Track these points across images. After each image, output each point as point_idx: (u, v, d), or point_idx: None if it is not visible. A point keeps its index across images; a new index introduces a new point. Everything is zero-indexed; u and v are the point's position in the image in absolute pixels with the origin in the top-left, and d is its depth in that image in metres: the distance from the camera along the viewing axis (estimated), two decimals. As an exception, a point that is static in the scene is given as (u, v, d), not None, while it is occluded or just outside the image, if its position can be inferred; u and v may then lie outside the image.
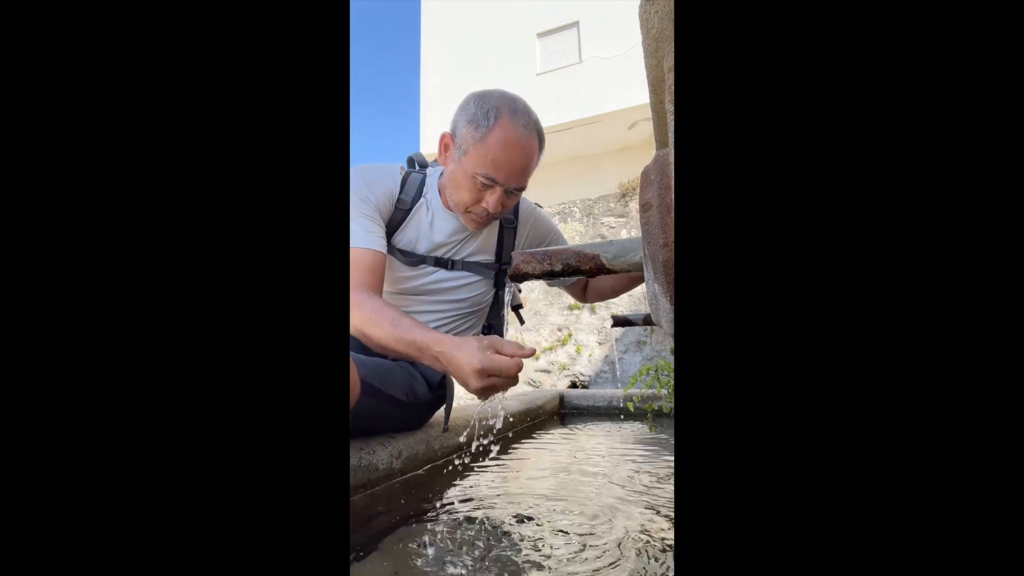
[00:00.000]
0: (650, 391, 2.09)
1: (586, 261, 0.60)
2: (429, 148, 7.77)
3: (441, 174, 1.03)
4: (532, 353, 0.74)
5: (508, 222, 1.08)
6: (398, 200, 1.00)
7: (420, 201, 1.02)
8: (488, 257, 1.08)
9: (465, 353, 0.71)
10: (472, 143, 0.88)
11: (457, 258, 1.05)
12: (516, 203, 1.06)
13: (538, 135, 0.92)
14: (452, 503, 0.87)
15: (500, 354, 0.71)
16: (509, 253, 1.09)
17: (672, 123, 0.38)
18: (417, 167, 1.08)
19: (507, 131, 0.87)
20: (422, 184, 1.04)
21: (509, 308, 1.24)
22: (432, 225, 1.02)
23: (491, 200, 0.90)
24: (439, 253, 1.03)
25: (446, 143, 0.94)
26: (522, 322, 1.36)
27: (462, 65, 7.94)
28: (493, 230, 1.07)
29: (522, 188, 0.94)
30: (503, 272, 1.09)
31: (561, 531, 0.72)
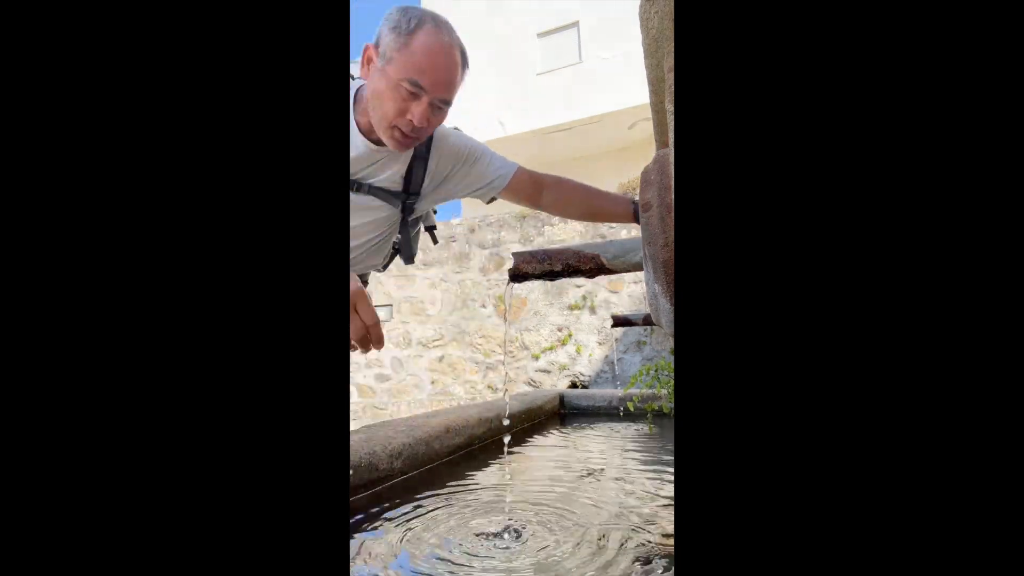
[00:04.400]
0: (650, 391, 2.09)
1: (586, 261, 0.60)
2: (429, 148, 7.74)
3: (358, 90, 0.97)
4: (368, 332, 0.72)
5: (420, 153, 1.04)
6: None
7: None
8: (396, 186, 1.06)
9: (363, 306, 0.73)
10: (396, 49, 0.85)
11: (365, 182, 1.03)
12: (431, 134, 1.00)
13: (461, 51, 0.92)
14: (452, 503, 0.87)
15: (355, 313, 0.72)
16: (418, 183, 1.06)
17: (672, 123, 0.38)
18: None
19: (431, 36, 0.87)
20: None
21: (418, 232, 1.18)
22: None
23: (417, 111, 0.87)
24: (351, 176, 0.99)
25: (368, 55, 0.89)
26: (435, 242, 1.27)
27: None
28: (405, 159, 1.03)
29: (448, 102, 0.91)
30: (412, 199, 1.08)
31: (561, 531, 0.72)
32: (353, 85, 0.98)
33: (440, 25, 0.88)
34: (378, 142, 0.95)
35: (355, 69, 1.00)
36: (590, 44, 7.19)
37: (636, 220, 1.03)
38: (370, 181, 1.03)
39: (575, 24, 7.36)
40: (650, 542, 0.67)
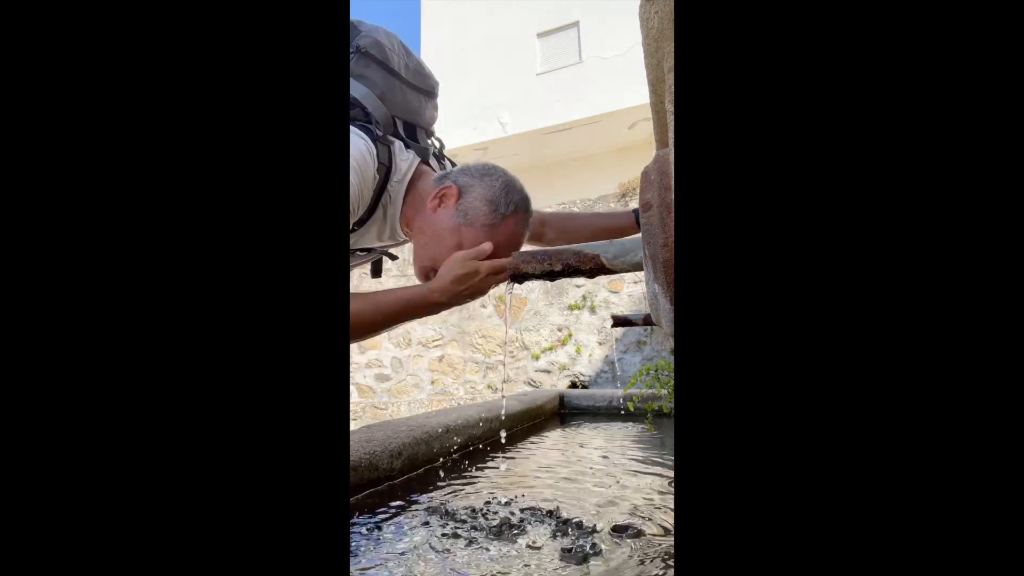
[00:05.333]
0: (650, 391, 2.09)
1: (586, 261, 0.61)
2: (429, 148, 7.74)
3: (417, 177, 0.92)
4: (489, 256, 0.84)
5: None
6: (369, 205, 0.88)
7: (383, 199, 0.90)
8: (385, 244, 1.06)
9: (446, 270, 0.82)
10: (484, 223, 0.85)
11: (369, 247, 1.02)
12: None
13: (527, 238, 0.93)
14: (452, 503, 0.87)
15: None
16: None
17: (672, 123, 0.38)
18: (377, 128, 0.87)
19: (520, 227, 0.88)
20: (388, 169, 0.89)
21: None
22: (379, 234, 0.95)
23: None
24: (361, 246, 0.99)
25: (446, 194, 0.87)
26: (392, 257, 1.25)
27: (462, 65, 7.94)
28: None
29: None
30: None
31: (561, 532, 0.72)
32: (402, 155, 0.91)
33: (529, 214, 0.89)
34: (402, 232, 0.94)
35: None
36: (590, 44, 7.19)
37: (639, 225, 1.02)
38: (373, 246, 1.01)
39: (575, 24, 7.36)
40: (650, 541, 0.67)
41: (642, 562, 0.62)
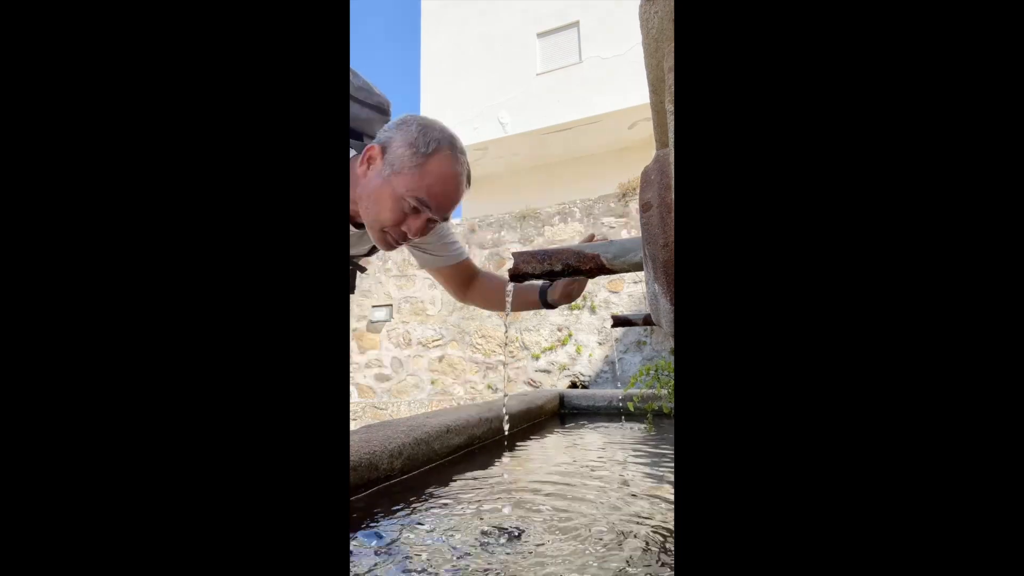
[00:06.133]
0: (650, 391, 2.09)
1: (586, 261, 0.60)
2: (429, 148, 7.73)
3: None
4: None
5: None
6: None
7: None
8: (361, 254, 1.09)
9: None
10: (409, 166, 0.86)
11: None
12: None
13: (468, 176, 0.94)
14: (452, 503, 0.87)
15: None
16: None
17: (672, 123, 0.38)
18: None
19: (446, 163, 0.88)
20: None
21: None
22: None
23: (415, 224, 0.89)
24: None
25: (372, 156, 0.89)
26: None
27: (462, 65, 7.94)
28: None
29: (446, 219, 0.95)
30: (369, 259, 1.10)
31: (561, 532, 0.72)
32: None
33: (456, 151, 0.90)
34: (358, 225, 0.96)
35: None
36: (590, 44, 7.19)
37: (543, 301, 1.11)
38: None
39: (575, 24, 7.36)
40: (650, 541, 0.67)
41: (642, 561, 0.62)
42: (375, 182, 0.88)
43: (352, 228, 0.96)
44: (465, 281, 1.19)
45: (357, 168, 0.91)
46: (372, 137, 1.04)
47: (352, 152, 0.96)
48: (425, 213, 0.88)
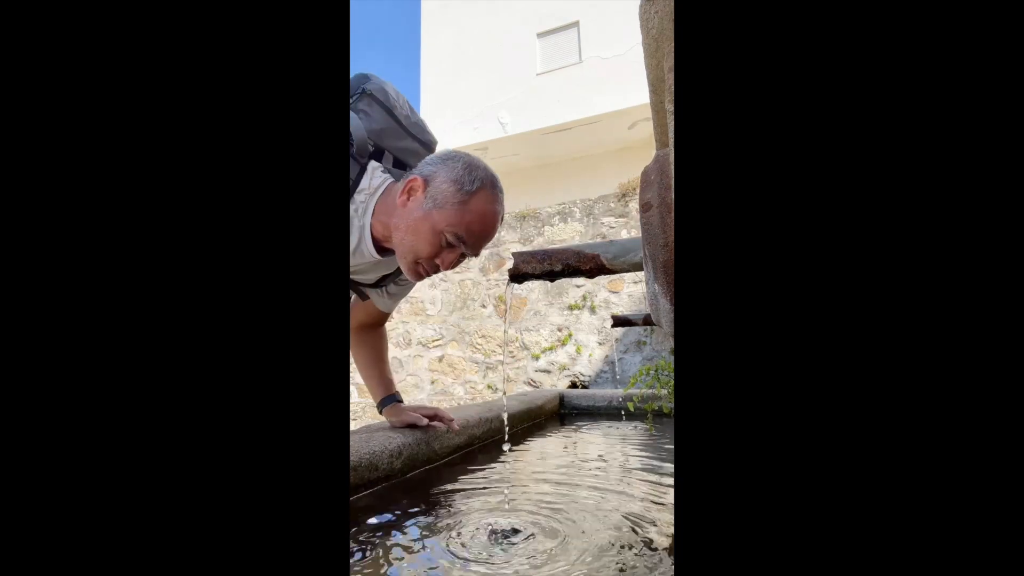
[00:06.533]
0: (650, 391, 2.09)
1: (586, 261, 0.61)
2: (429, 148, 7.74)
3: (385, 191, 0.95)
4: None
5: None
6: None
7: (352, 207, 0.94)
8: (369, 282, 1.11)
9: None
10: (451, 201, 0.87)
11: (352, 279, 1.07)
12: None
13: (503, 216, 0.96)
14: (452, 503, 0.87)
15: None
16: (386, 282, 1.11)
17: (672, 123, 0.38)
18: (352, 140, 0.91)
19: (488, 203, 0.90)
20: (355, 183, 0.93)
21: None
22: (352, 252, 0.97)
23: (449, 258, 0.91)
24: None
25: (413, 187, 0.90)
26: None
27: (462, 65, 7.94)
28: (393, 265, 1.06)
29: (476, 255, 0.97)
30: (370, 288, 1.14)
31: (561, 532, 0.72)
32: (375, 175, 0.96)
33: (497, 191, 0.92)
34: (382, 250, 0.97)
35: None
36: (590, 44, 7.19)
37: (378, 409, 1.21)
38: (354, 278, 1.06)
39: (575, 24, 7.36)
40: (650, 541, 0.67)
41: (642, 561, 0.61)
42: (416, 214, 0.89)
43: (376, 253, 0.97)
44: (369, 326, 1.24)
45: (396, 196, 0.92)
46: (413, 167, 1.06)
47: (390, 178, 0.97)
48: (460, 248, 0.90)
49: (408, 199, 0.90)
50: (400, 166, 1.02)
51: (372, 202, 0.95)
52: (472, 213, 0.88)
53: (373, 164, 0.96)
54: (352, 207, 0.94)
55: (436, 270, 0.93)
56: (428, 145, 1.06)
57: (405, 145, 1.02)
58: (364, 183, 0.95)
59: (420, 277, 0.95)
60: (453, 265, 0.92)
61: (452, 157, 0.92)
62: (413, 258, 0.91)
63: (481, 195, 0.89)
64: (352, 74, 1.02)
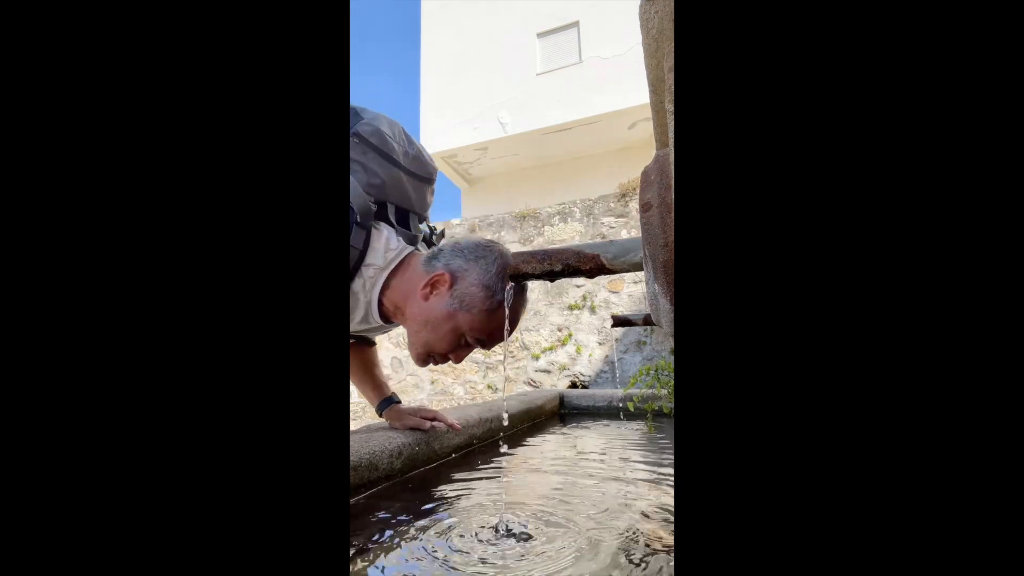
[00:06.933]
0: (650, 391, 2.09)
1: (586, 261, 0.61)
2: (428, 149, 7.74)
3: (400, 265, 0.88)
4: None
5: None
6: None
7: (358, 281, 0.87)
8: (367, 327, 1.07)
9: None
10: (479, 307, 0.82)
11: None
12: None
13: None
14: (452, 504, 0.87)
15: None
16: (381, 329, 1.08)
17: (672, 123, 0.38)
18: (355, 212, 0.83)
19: (517, 308, 0.86)
20: (361, 253, 0.85)
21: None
22: (366, 318, 0.91)
23: (463, 355, 0.88)
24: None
25: (438, 281, 0.83)
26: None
27: (462, 65, 7.94)
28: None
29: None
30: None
31: (561, 532, 0.72)
32: (388, 243, 0.88)
33: (526, 292, 0.88)
34: (388, 319, 0.93)
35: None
36: (590, 44, 7.19)
37: (378, 412, 1.19)
38: (356, 332, 1.01)
39: (575, 24, 7.36)
40: (650, 541, 0.67)
41: (643, 561, 0.62)
42: (438, 311, 0.84)
43: (382, 322, 0.93)
44: (357, 344, 1.19)
45: (414, 276, 0.86)
46: (419, 214, 0.99)
47: (404, 248, 0.90)
48: (476, 346, 0.87)
49: (431, 292, 0.84)
50: (404, 214, 0.96)
51: (383, 277, 0.88)
52: (498, 319, 0.83)
53: (380, 230, 0.89)
54: (359, 281, 0.87)
55: (445, 361, 0.89)
56: (428, 180, 1.00)
57: (403, 191, 0.94)
58: (373, 256, 0.87)
59: (425, 364, 0.90)
60: (463, 359, 0.90)
61: (485, 255, 0.85)
62: (426, 352, 0.87)
63: (512, 301, 0.83)
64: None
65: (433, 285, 0.84)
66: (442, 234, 1.07)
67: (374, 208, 0.88)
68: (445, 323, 0.84)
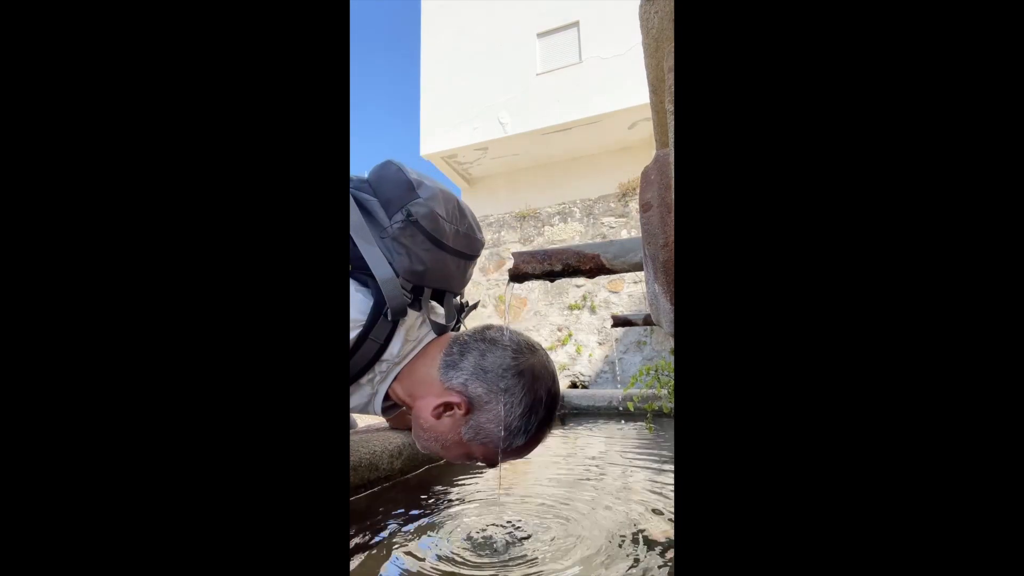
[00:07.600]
0: (650, 391, 2.09)
1: (586, 261, 0.61)
2: (428, 149, 7.77)
3: (408, 367, 0.82)
4: None
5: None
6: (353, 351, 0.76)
7: (368, 375, 0.80)
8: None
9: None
10: (496, 444, 0.74)
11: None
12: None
13: None
14: (452, 503, 0.87)
15: None
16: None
17: (672, 123, 0.38)
18: (388, 307, 0.76)
19: (539, 437, 0.78)
20: (381, 348, 0.78)
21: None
22: (365, 407, 0.86)
23: (466, 463, 0.84)
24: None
25: (452, 405, 0.75)
26: None
27: (462, 65, 7.94)
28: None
29: None
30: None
31: (561, 532, 0.72)
32: (410, 333, 0.80)
33: (554, 413, 0.78)
34: (388, 410, 0.87)
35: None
36: (590, 44, 7.19)
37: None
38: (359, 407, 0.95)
39: (575, 24, 7.36)
40: (650, 541, 0.67)
41: (643, 561, 0.62)
42: (449, 435, 0.76)
43: (381, 413, 0.87)
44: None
45: (430, 398, 0.77)
46: (460, 289, 0.91)
47: (424, 328, 0.83)
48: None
49: (443, 412, 0.75)
50: (440, 294, 0.88)
51: (395, 372, 0.82)
52: (511, 455, 0.77)
53: (412, 320, 0.81)
54: (367, 375, 0.80)
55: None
56: (473, 257, 0.91)
57: (446, 272, 0.86)
58: (391, 350, 0.79)
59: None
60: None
61: (512, 387, 0.74)
62: (431, 454, 0.82)
63: (532, 440, 0.76)
64: (393, 167, 0.83)
65: (445, 407, 0.75)
66: (474, 306, 0.98)
67: (408, 300, 0.80)
68: (458, 448, 0.77)
